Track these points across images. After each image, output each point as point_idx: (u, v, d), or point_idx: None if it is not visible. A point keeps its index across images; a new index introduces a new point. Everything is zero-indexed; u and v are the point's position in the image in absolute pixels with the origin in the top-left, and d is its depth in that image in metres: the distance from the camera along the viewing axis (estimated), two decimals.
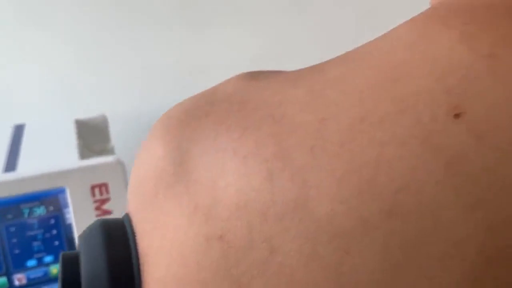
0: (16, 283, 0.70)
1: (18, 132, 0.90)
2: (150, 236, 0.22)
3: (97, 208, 0.70)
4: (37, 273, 0.70)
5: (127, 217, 0.24)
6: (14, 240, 0.69)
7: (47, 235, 0.69)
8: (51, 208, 0.69)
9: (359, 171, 0.18)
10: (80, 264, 0.23)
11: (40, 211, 0.69)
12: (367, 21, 1.14)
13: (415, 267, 0.18)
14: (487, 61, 0.19)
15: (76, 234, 0.70)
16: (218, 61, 1.16)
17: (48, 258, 0.71)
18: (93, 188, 0.70)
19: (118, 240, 0.23)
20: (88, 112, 0.99)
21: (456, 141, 0.18)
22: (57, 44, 1.08)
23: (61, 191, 0.69)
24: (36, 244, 0.69)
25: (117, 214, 0.71)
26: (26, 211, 0.69)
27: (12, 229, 0.69)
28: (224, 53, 1.19)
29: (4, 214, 0.68)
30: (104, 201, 0.71)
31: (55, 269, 0.71)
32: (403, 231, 0.18)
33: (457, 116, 0.18)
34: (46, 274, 0.71)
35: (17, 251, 0.69)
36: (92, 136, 0.98)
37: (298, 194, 0.19)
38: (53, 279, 0.71)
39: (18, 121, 0.96)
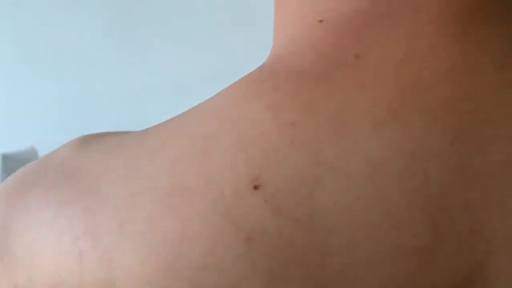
0: None
1: None
2: None
3: None
4: None
5: None
6: None
7: None
8: None
9: (163, 250, 0.18)
10: None
11: None
12: None
13: None
14: (287, 130, 0.19)
15: None
16: (156, 86, 1.15)
17: None
18: None
19: None
20: (16, 145, 0.97)
21: (255, 214, 0.18)
22: None
23: None
24: None
25: None
26: None
27: None
28: (163, 75, 1.18)
29: None
30: None
31: None
32: None
33: (256, 188, 0.18)
34: None
35: None
36: None
37: (105, 275, 0.18)
38: None
39: None
